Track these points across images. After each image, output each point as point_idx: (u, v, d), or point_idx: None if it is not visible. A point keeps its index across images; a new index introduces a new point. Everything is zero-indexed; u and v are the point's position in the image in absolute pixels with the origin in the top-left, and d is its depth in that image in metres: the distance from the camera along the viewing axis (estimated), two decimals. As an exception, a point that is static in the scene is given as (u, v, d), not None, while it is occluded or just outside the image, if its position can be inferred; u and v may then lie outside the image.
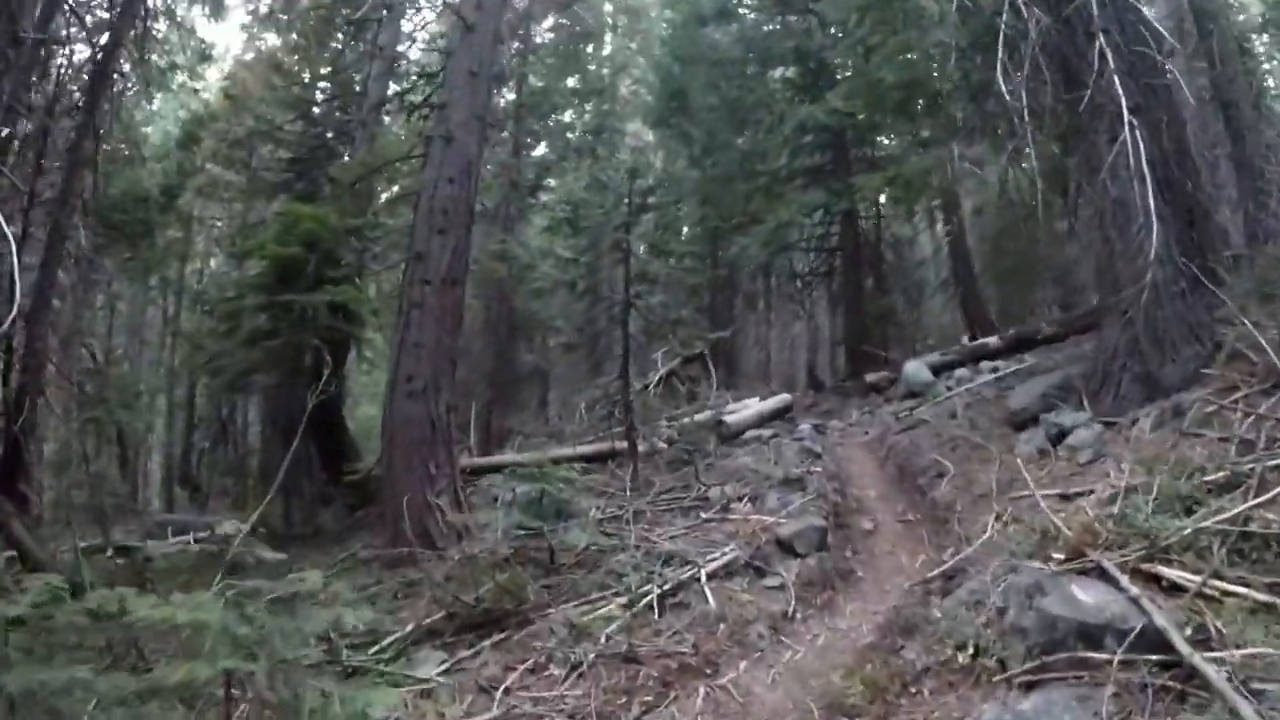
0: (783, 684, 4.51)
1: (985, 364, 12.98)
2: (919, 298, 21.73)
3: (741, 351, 24.54)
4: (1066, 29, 7.10)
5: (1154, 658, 3.29)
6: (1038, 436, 7.27)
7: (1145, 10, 7.10)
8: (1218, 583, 3.68)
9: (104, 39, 11.86)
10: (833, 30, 17.90)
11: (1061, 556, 4.27)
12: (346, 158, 14.76)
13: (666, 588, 5.20)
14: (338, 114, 16.57)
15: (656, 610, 4.96)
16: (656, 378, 15.61)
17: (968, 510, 6.72)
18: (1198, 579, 3.71)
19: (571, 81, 22.52)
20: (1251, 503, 4.06)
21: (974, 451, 8.14)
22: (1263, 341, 5.70)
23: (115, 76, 12.24)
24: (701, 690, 4.34)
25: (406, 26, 16.75)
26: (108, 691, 2.68)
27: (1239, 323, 6.38)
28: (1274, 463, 4.46)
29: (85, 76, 12.23)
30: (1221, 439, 5.15)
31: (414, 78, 14.90)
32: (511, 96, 20.14)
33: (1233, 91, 9.18)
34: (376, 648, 4.86)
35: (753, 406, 13.76)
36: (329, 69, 16.76)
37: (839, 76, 17.75)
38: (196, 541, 10.31)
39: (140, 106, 17.45)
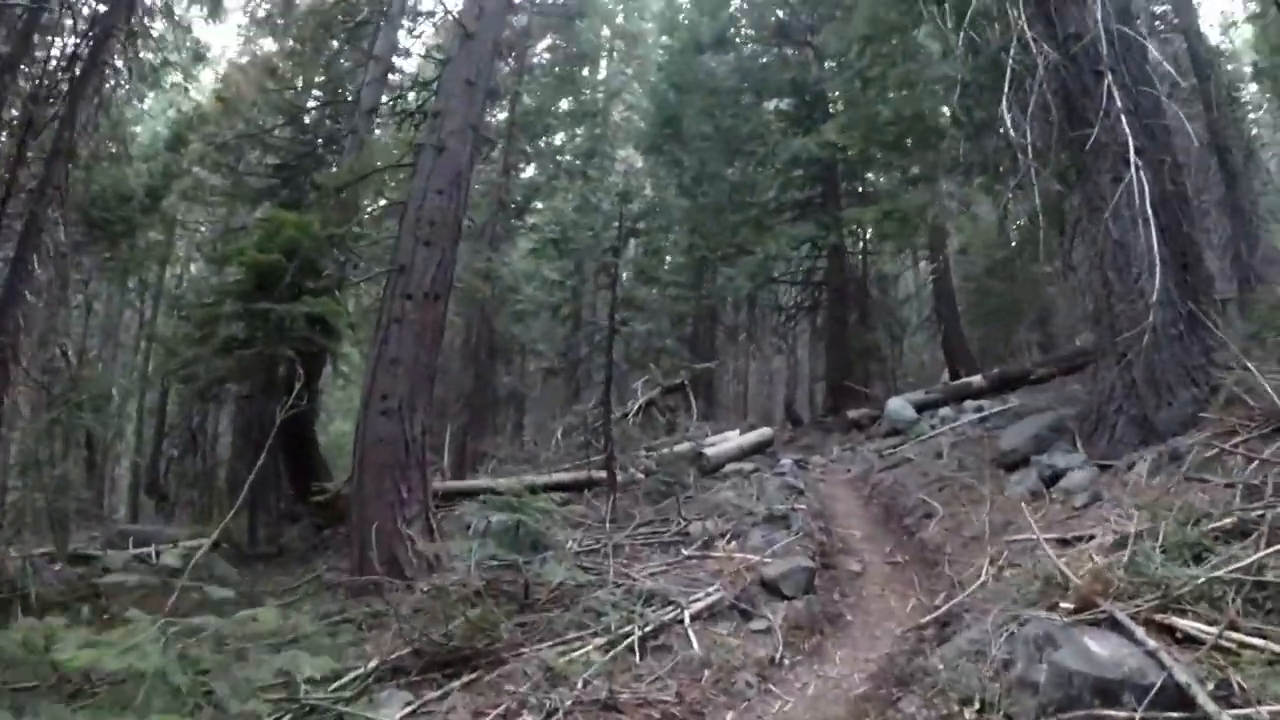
0: (772, 737, 4.23)
1: (969, 403, 12.87)
2: (901, 334, 21.74)
3: (720, 383, 24.41)
4: (1073, 66, 7.04)
5: (1176, 715, 3.07)
6: (1030, 478, 7.09)
7: (1153, 50, 7.05)
8: (1234, 634, 3.47)
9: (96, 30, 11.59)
10: (829, 64, 18.02)
11: (1070, 606, 4.03)
12: (335, 166, 14.52)
13: (648, 629, 4.89)
14: (329, 121, 16.38)
15: (637, 653, 4.66)
16: (636, 406, 15.41)
17: (958, 553, 6.50)
18: (1214, 630, 3.50)
19: (565, 103, 22.48)
20: (1266, 551, 3.86)
21: (962, 492, 7.95)
22: (1264, 384, 5.57)
23: (106, 69, 11.94)
24: (686, 743, 4.06)
25: (403, 38, 16.70)
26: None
27: (1237, 366, 6.27)
28: (1282, 511, 4.29)
29: (76, 66, 11.92)
30: (1227, 485, 4.97)
31: (408, 85, 14.71)
32: (504, 115, 20.01)
33: (1227, 137, 9.22)
34: (337, 684, 4.50)
35: (733, 439, 13.56)
36: (323, 75, 16.60)
37: (834, 110, 17.81)
38: (157, 555, 9.99)
39: (130, 104, 17.18)
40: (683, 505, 8.67)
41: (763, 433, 14.59)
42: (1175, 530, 4.47)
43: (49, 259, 12.21)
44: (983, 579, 5.46)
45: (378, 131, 15.83)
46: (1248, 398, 5.96)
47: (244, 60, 19.76)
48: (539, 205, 21.92)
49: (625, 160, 24.34)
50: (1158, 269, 6.06)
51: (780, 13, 20.20)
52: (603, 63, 26.06)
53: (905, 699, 4.14)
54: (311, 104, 17.08)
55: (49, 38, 11.71)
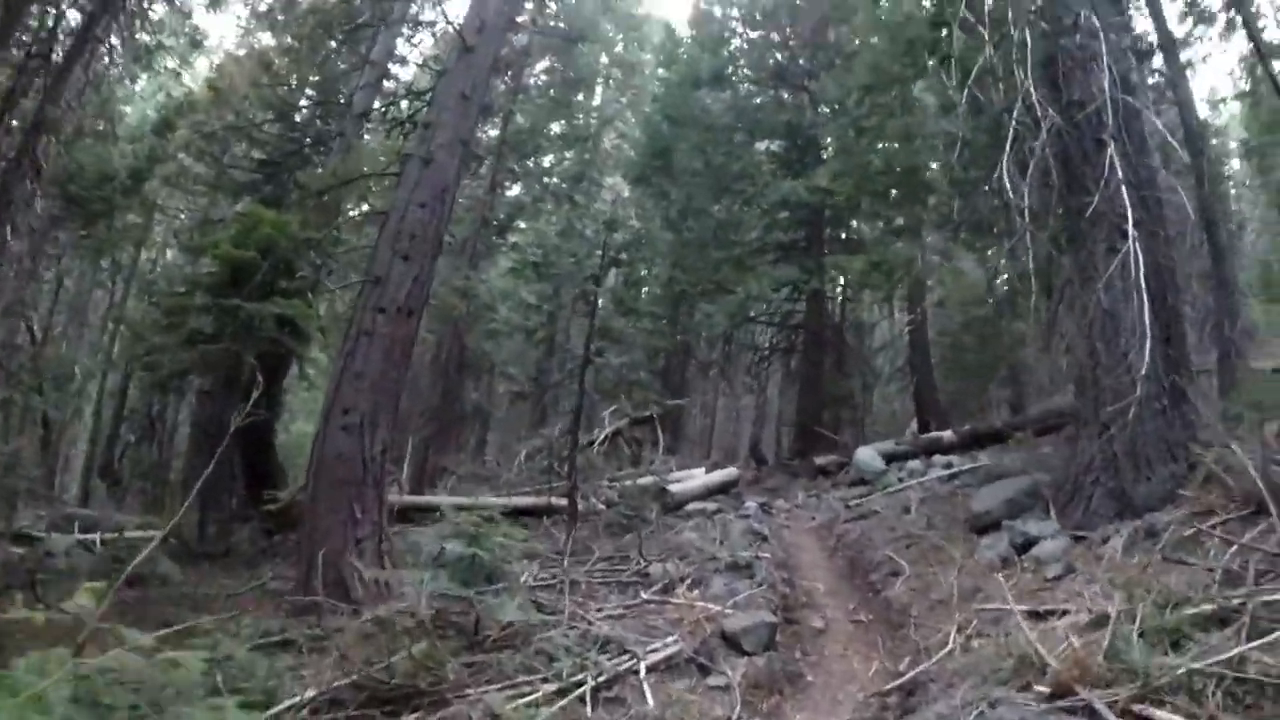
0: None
1: (938, 458, 12.79)
2: (873, 383, 21.77)
3: (687, 417, 24.27)
4: (1075, 132, 7.03)
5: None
6: (1001, 543, 6.94)
7: (1156, 122, 7.07)
8: (1213, 729, 3.33)
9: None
10: (824, 110, 18.15)
11: (1046, 690, 3.85)
12: (320, 168, 14.28)
13: (601, 679, 4.62)
14: (319, 122, 16.17)
15: (589, 704, 4.38)
16: (602, 436, 15.19)
17: (925, 616, 6.32)
18: (1191, 725, 3.35)
19: (557, 126, 22.40)
20: (1248, 645, 3.71)
21: (931, 551, 7.79)
22: (1246, 464, 5.48)
23: (100, 46, 11.65)
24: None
25: (402, 46, 16.57)
26: None
27: (1217, 444, 6.20)
28: (1265, 599, 4.15)
29: (64, 39, 11.64)
30: (1208, 569, 4.84)
31: (402, 93, 14.54)
32: (495, 132, 19.88)
33: (1215, 211, 9.30)
34: (270, 714, 4.19)
35: (699, 478, 13.41)
36: (317, 75, 16.40)
37: (825, 156, 17.90)
38: (102, 543, 9.68)
39: (122, 83, 16.95)
40: (644, 543, 8.41)
41: (728, 473, 14.44)
42: (1153, 613, 4.32)
43: (23, 232, 11.88)
44: (950, 647, 5.28)
45: (367, 137, 15.65)
46: (1226, 476, 5.88)
47: (240, 52, 19.66)
48: (522, 225, 21.76)
49: (612, 188, 24.29)
50: (1148, 342, 6.00)
51: (779, 55, 20.39)
52: (598, 89, 26.11)
53: (868, 777, 3.92)
54: (303, 103, 16.90)
55: (46, 8, 11.44)
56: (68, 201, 14.67)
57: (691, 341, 22.42)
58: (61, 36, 11.68)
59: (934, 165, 12.33)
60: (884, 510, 10.32)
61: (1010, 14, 7.16)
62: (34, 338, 16.03)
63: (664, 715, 4.40)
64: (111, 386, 21.86)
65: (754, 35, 20.93)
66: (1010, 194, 6.79)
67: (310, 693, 4.42)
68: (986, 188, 8.61)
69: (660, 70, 23.05)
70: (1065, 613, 5.04)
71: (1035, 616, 5.12)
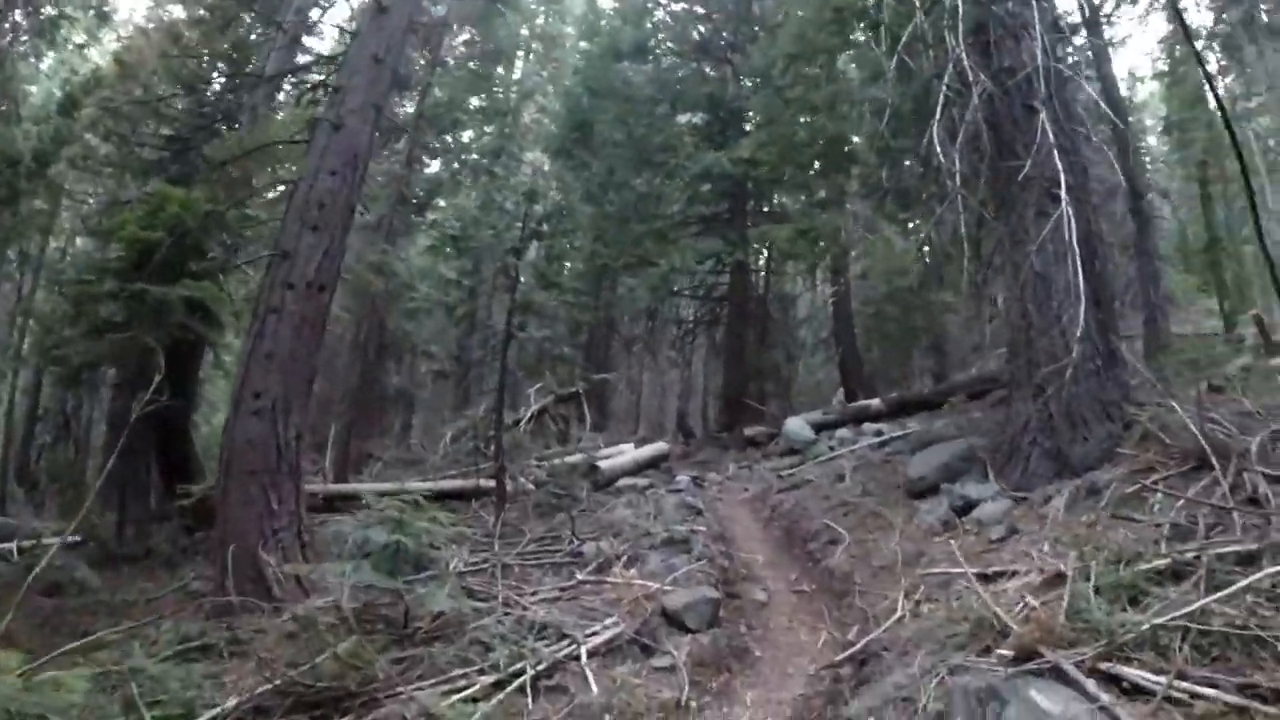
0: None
1: (868, 426, 12.83)
2: (798, 354, 21.90)
3: (613, 393, 24.02)
4: (1006, 99, 6.97)
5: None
6: (940, 507, 6.89)
7: (1089, 89, 7.07)
8: (1183, 684, 3.23)
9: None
10: (747, 83, 17.96)
11: (1009, 653, 3.70)
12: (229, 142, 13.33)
13: (541, 667, 4.29)
14: (230, 95, 15.11)
15: (529, 695, 4.05)
16: (528, 414, 14.81)
17: (869, 583, 6.20)
18: (1162, 680, 3.25)
19: (476, 100, 21.62)
20: (1209, 598, 3.64)
21: (869, 518, 7.72)
22: (1187, 421, 5.50)
23: (1, 21, 10.51)
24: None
25: (317, 16, 15.59)
26: None
27: (1150, 404, 6.24)
28: (1218, 551, 4.12)
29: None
30: (1155, 524, 4.81)
31: (313, 60, 13.73)
32: (412, 107, 19.00)
33: (1140, 183, 9.48)
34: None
35: (628, 453, 13.15)
36: (228, 46, 15.30)
37: (748, 128, 17.72)
38: (20, 552, 9.13)
39: (27, 60, 15.62)
40: (576, 522, 8.11)
41: (658, 447, 14.23)
42: (1107, 570, 4.25)
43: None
44: (899, 614, 5.15)
45: (281, 113, 14.70)
46: (1163, 434, 5.91)
47: (151, 26, 18.34)
48: (441, 203, 21.00)
49: (533, 163, 23.66)
50: (1081, 304, 5.97)
51: (702, 29, 20.09)
52: (518, 63, 25.45)
53: (829, 755, 3.71)
54: (215, 76, 15.77)
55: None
56: (-32, 188, 13.40)
57: (615, 316, 22.11)
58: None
59: (858, 138, 12.26)
60: (817, 479, 10.25)
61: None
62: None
63: (609, 702, 4.10)
64: (25, 384, 20.58)
65: (676, 8, 20.57)
66: (941, 158, 6.71)
67: (231, 701, 4.10)
68: (915, 155, 8.52)
69: (582, 43, 22.49)
70: (1014, 574, 4.97)
71: (984, 579, 5.01)
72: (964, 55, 6.87)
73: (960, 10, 6.92)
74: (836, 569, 6.82)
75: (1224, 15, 13.89)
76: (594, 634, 4.87)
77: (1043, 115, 6.68)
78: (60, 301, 14.81)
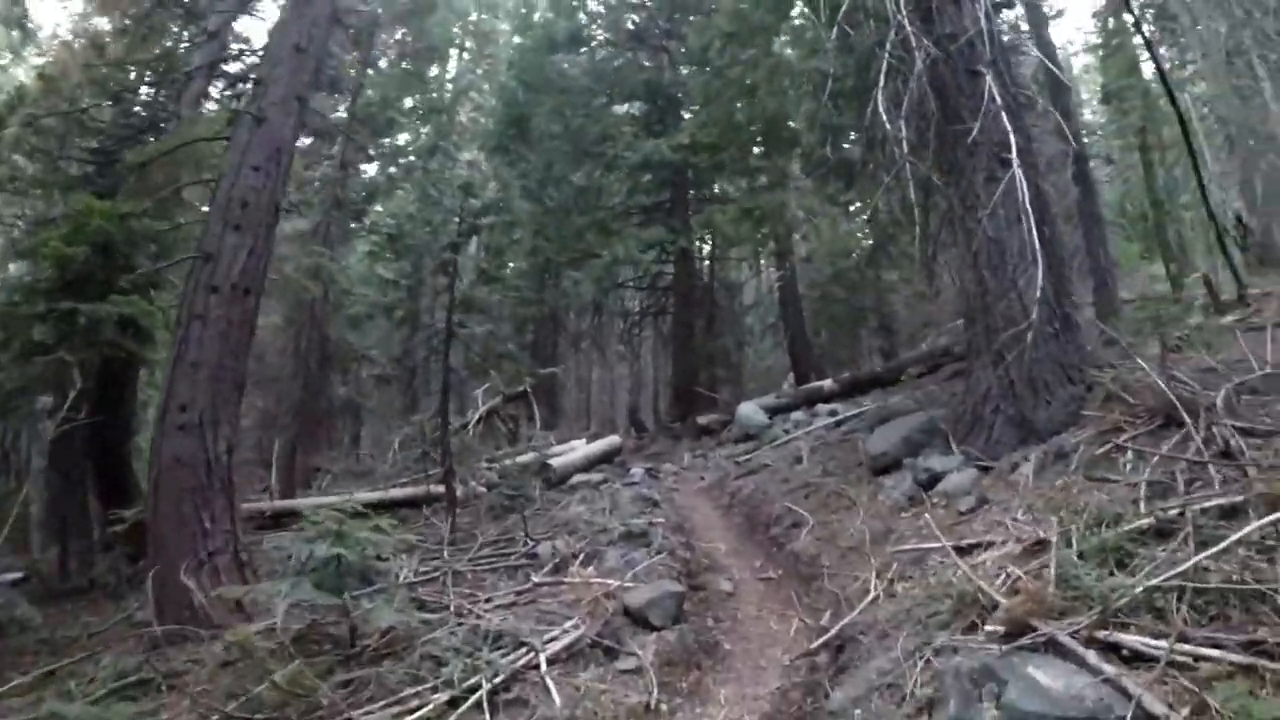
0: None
1: (821, 407, 12.70)
2: (747, 340, 21.80)
3: (562, 390, 23.63)
4: (950, 64, 6.80)
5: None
6: (905, 482, 6.68)
7: (1033, 49, 6.95)
8: (1185, 646, 3.03)
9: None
10: (684, 69, 17.73)
11: (999, 629, 3.45)
12: (152, 148, 12.62)
13: (498, 680, 3.92)
14: (160, 101, 14.32)
15: (487, 711, 3.68)
16: (477, 416, 14.39)
17: (838, 565, 5.95)
18: (1163, 645, 3.04)
19: (410, 100, 20.97)
20: (1203, 554, 3.45)
21: (831, 498, 7.50)
22: (1155, 378, 5.37)
23: None
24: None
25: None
26: None
27: (1108, 364, 6.13)
28: (1201, 506, 3.95)
29: None
30: (1130, 484, 4.64)
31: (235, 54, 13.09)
32: (344, 110, 18.28)
33: (1086, 149, 9.47)
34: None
35: (580, 449, 12.85)
36: (156, 54, 14.50)
37: (686, 115, 17.48)
38: None
39: None
40: (529, 522, 7.72)
41: (610, 441, 13.91)
42: (1089, 535, 4.06)
43: None
44: (873, 595, 4.91)
45: (206, 111, 13.97)
46: (1126, 395, 5.79)
47: (74, 39, 17.41)
48: (379, 208, 20.32)
49: (471, 161, 23.07)
50: (1039, 268, 5.82)
51: (635, 18, 19.77)
52: (452, 61, 24.87)
53: (816, 752, 3.43)
54: (142, 85, 14.95)
55: None
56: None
57: (560, 312, 21.71)
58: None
59: (799, 120, 12.10)
60: (774, 463, 10.06)
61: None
62: None
63: (573, 713, 3.75)
64: (-39, 416, 19.14)
65: (611, -2, 20.25)
66: (887, 126, 6.52)
67: (170, 740, 3.59)
68: (859, 127, 8.35)
69: (515, 37, 22.03)
70: (990, 545, 4.76)
71: (960, 551, 4.79)
72: (906, 23, 6.70)
73: (901, -24, 6.75)
74: (802, 552, 6.58)
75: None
76: (553, 639, 4.52)
77: (989, 78, 6.54)
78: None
